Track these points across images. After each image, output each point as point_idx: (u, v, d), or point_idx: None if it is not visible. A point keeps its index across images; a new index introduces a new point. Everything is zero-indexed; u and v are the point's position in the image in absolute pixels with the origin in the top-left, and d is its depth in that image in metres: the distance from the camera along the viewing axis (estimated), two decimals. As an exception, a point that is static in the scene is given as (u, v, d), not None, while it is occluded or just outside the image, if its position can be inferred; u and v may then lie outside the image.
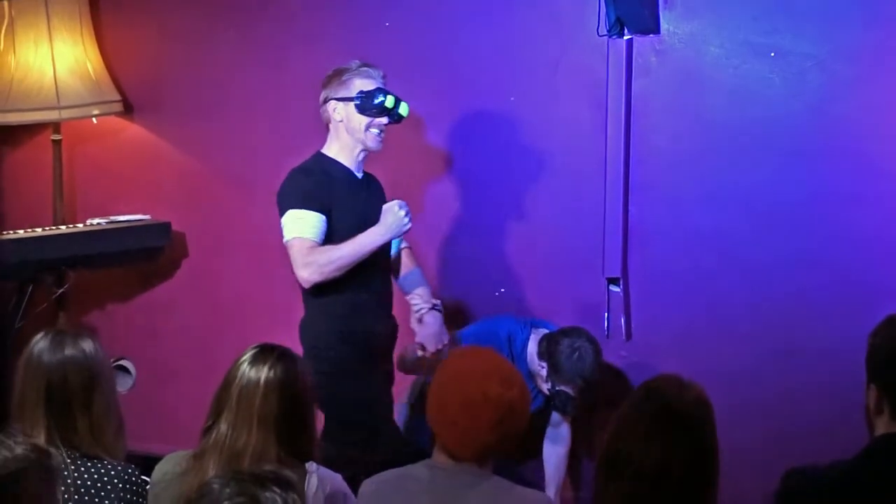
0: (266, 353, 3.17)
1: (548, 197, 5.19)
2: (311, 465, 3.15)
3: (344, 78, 4.38)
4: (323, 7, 5.44)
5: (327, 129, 4.46)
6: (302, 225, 4.23)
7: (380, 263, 4.43)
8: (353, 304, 4.37)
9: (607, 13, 4.96)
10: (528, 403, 3.10)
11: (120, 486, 3.17)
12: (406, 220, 4.28)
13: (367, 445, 4.30)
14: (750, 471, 4.27)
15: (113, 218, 5.55)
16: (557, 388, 4.65)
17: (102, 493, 3.16)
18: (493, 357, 3.22)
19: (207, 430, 3.15)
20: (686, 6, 4.97)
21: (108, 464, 3.20)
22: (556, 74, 5.15)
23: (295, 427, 3.15)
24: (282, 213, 4.29)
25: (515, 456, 4.94)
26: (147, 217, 5.64)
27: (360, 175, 4.47)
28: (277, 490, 2.26)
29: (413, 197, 5.24)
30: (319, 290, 4.29)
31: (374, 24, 5.34)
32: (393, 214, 4.30)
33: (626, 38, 5.00)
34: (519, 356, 4.67)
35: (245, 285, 5.66)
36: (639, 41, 5.02)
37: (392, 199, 4.39)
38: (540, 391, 4.70)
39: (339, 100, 4.37)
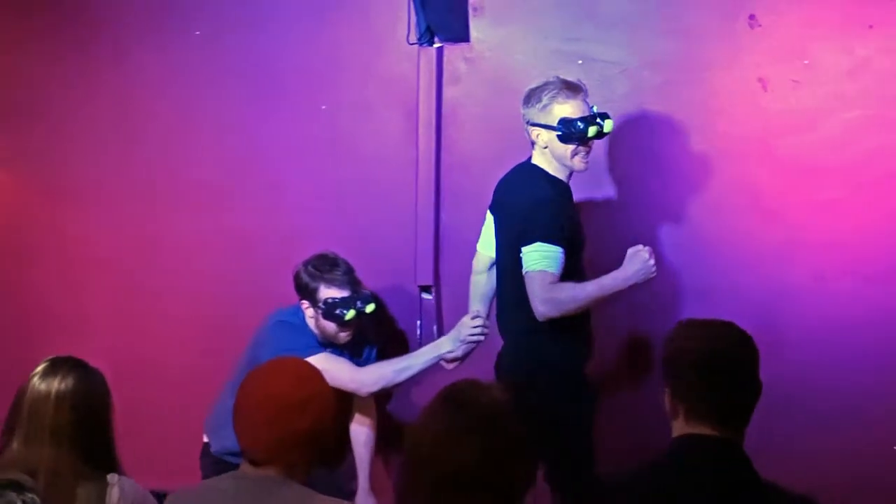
0: (57, 365, 3.09)
1: (359, 204, 5.16)
2: (113, 477, 3.07)
3: (544, 103, 4.27)
4: (132, 16, 5.35)
5: (532, 144, 4.37)
6: (548, 259, 4.10)
7: None
8: (580, 334, 4.36)
9: (417, 21, 4.99)
10: (327, 405, 2.99)
11: None
12: (653, 265, 4.15)
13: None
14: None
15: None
16: (326, 301, 4.45)
17: None
18: (290, 361, 3.12)
19: (2, 450, 3.06)
20: (495, 14, 5.03)
21: None
22: (367, 82, 5.15)
23: (91, 438, 3.08)
24: (526, 242, 4.15)
25: (334, 464, 4.86)
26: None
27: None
28: (13, 493, 2.29)
29: (225, 204, 5.20)
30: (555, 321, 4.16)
31: (185, 33, 5.27)
32: (641, 261, 4.15)
33: (436, 45, 5.03)
34: (300, 327, 4.55)
35: (51, 297, 5.50)
36: (449, 49, 5.06)
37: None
38: (330, 340, 4.58)
39: (541, 126, 4.29)
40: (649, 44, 4.92)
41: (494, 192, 4.50)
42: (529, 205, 4.23)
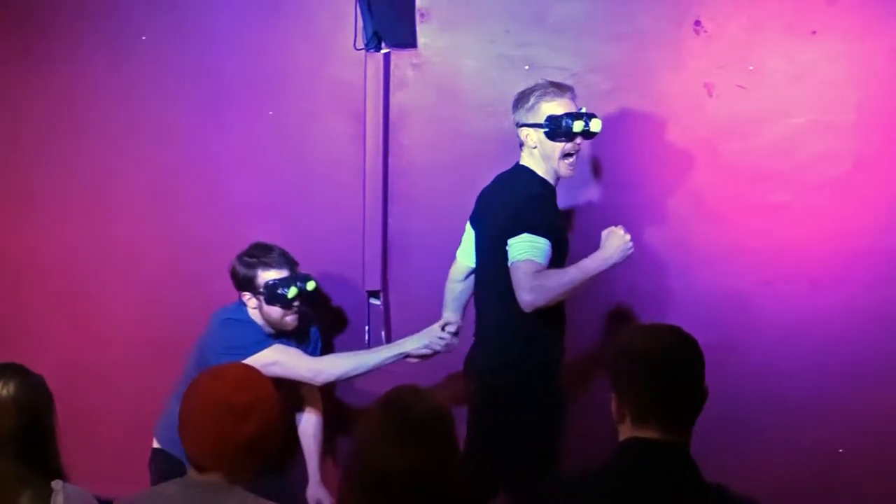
0: None
1: (307, 210, 5.15)
2: (58, 483, 3.01)
3: (531, 102, 4.28)
4: (78, 21, 5.30)
5: (521, 146, 4.36)
6: (536, 250, 4.08)
7: None
8: (557, 336, 4.36)
9: (364, 27, 4.98)
10: (271, 411, 2.97)
11: None
12: (630, 241, 4.16)
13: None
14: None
15: None
16: (266, 285, 4.43)
17: None
18: (233, 367, 3.10)
19: None
20: (442, 20, 5.03)
21: None
22: (314, 88, 5.14)
23: (35, 445, 3.02)
24: (513, 234, 4.12)
25: (281, 469, 4.84)
26: None
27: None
28: None
29: (171, 210, 5.17)
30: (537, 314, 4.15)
31: (132, 38, 5.23)
32: (618, 238, 4.17)
33: (383, 51, 5.03)
34: (246, 322, 4.53)
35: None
36: (396, 55, 5.06)
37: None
38: (277, 328, 4.55)
39: (529, 126, 4.29)
40: (596, 49, 4.95)
41: (477, 201, 4.50)
42: (519, 199, 4.24)
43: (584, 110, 4.28)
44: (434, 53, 5.04)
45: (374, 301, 5.09)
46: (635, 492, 2.60)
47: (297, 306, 4.46)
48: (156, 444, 4.65)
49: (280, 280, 4.39)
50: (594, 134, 4.29)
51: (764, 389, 4.89)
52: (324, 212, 5.13)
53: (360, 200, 5.02)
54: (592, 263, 4.15)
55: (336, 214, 5.11)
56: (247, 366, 3.15)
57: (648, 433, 2.65)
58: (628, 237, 4.18)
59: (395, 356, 4.42)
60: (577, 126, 4.21)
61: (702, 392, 2.70)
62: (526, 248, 4.09)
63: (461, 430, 4.21)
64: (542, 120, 4.25)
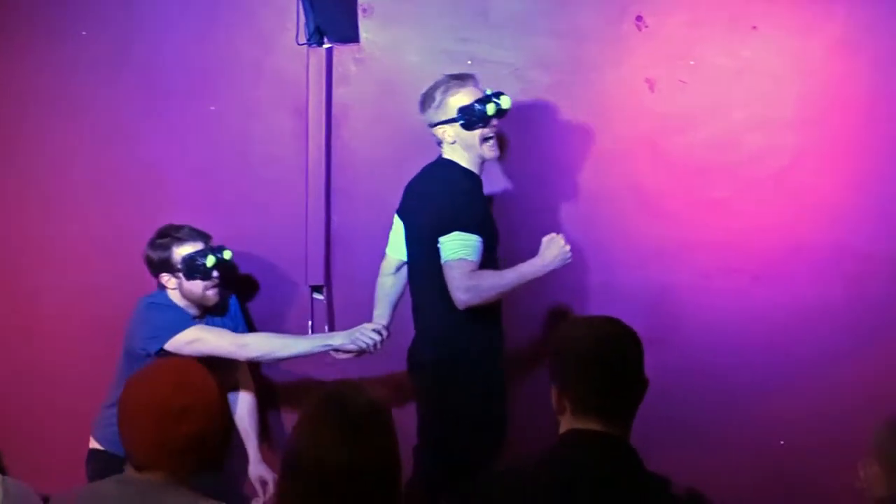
0: None
1: (249, 205, 5.11)
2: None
3: (438, 100, 4.32)
4: (16, 15, 5.22)
5: (440, 143, 4.40)
6: (468, 248, 4.13)
7: None
8: (496, 324, 4.38)
9: (306, 22, 4.96)
10: (208, 411, 2.93)
11: None
12: (568, 250, 4.24)
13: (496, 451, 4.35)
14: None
15: None
16: (183, 259, 4.47)
17: None
18: (170, 366, 3.06)
19: None
20: (385, 15, 5.02)
21: None
22: (256, 83, 5.10)
23: None
24: (444, 232, 4.15)
25: (217, 467, 4.80)
26: None
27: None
28: None
29: (111, 205, 5.12)
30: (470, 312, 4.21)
31: (71, 33, 5.17)
32: (557, 247, 4.23)
33: (325, 46, 5.00)
34: (167, 306, 4.54)
35: None
36: (338, 49, 5.04)
37: None
38: (200, 303, 4.57)
39: (443, 123, 4.31)
40: (538, 45, 4.96)
41: (403, 194, 4.52)
42: (445, 195, 4.27)
43: (488, 91, 4.33)
44: (377, 48, 5.03)
45: (317, 296, 5.07)
46: (575, 482, 2.61)
47: (216, 277, 4.48)
48: (93, 444, 4.61)
49: (196, 252, 4.45)
50: (507, 111, 4.34)
51: (704, 383, 4.93)
52: (266, 207, 5.10)
53: (303, 195, 4.99)
54: (530, 269, 4.23)
55: (278, 209, 5.08)
56: (184, 364, 3.13)
57: (589, 424, 2.67)
58: (567, 247, 4.25)
59: (322, 347, 4.44)
60: (490, 109, 4.27)
61: (641, 383, 2.72)
62: (458, 247, 4.14)
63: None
64: (454, 114, 4.31)
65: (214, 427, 2.92)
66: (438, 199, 4.28)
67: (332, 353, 4.48)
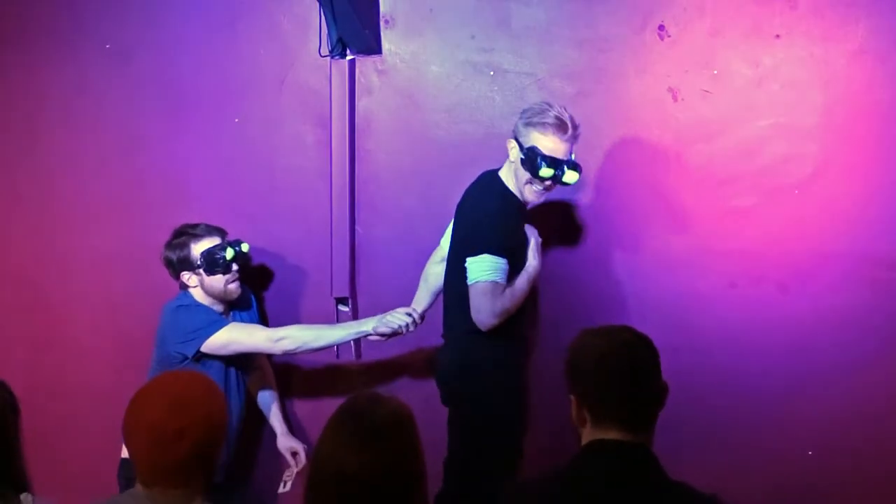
0: None
1: (274, 217, 5.14)
2: (27, 497, 3.00)
3: (528, 122, 4.25)
4: (42, 27, 5.26)
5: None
6: (500, 271, 4.15)
7: None
8: (518, 337, 4.43)
9: (329, 33, 4.97)
10: (206, 431, 2.89)
11: None
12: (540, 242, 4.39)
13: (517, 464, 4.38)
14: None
15: None
16: (202, 255, 4.52)
17: None
18: (170, 384, 2.97)
19: None
20: (407, 26, 5.03)
21: None
22: (279, 95, 5.13)
23: (5, 458, 3.00)
24: (475, 252, 4.16)
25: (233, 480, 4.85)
26: None
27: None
28: None
29: (136, 218, 5.15)
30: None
31: (96, 47, 5.21)
32: (534, 255, 4.34)
33: (348, 58, 5.02)
34: (195, 306, 4.57)
35: None
36: (361, 61, 5.06)
37: None
38: (223, 299, 4.61)
39: (516, 141, 4.28)
40: (561, 54, 4.96)
41: (462, 196, 4.50)
42: (478, 216, 4.28)
43: (572, 157, 4.28)
44: (399, 59, 5.04)
45: (342, 308, 5.08)
46: (597, 492, 2.62)
47: (236, 271, 4.52)
48: (124, 454, 4.63)
49: (214, 246, 4.50)
50: (566, 184, 4.29)
51: (730, 392, 4.90)
52: (290, 219, 5.12)
53: (328, 207, 5.01)
54: (529, 280, 4.31)
55: (303, 221, 5.10)
56: (185, 382, 3.00)
57: (609, 434, 2.67)
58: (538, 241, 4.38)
59: (355, 334, 4.50)
60: (546, 172, 4.20)
61: (659, 389, 2.72)
62: (488, 269, 4.14)
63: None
64: (526, 144, 4.24)
65: (214, 444, 2.90)
66: (472, 218, 4.29)
67: (370, 337, 4.52)
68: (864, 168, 4.82)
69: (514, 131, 4.32)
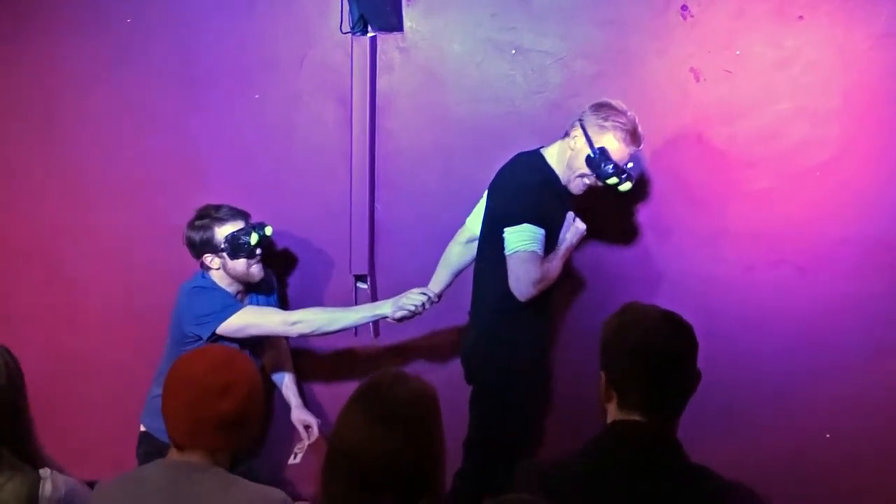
0: None
1: (293, 194, 5.14)
2: (46, 471, 3.02)
3: (605, 122, 4.26)
4: (62, 5, 5.26)
5: (565, 135, 4.36)
6: (538, 242, 4.16)
7: None
8: (545, 315, 4.46)
9: (350, 10, 4.96)
10: (250, 391, 2.93)
11: None
12: (583, 227, 4.38)
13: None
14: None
15: None
16: (226, 239, 4.50)
17: None
18: (216, 348, 3.14)
19: None
20: (428, 4, 5.02)
21: None
22: (300, 72, 5.12)
23: (17, 430, 3.02)
24: (515, 222, 4.16)
25: (254, 451, 4.87)
26: None
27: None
28: None
29: (155, 195, 5.16)
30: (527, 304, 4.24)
31: (117, 20, 5.20)
32: (575, 229, 4.36)
33: (369, 35, 5.01)
34: (212, 289, 4.57)
35: None
36: (382, 38, 5.05)
37: None
38: (245, 281, 4.62)
39: (585, 134, 4.27)
40: (583, 34, 4.94)
41: (496, 174, 4.49)
42: (518, 188, 4.27)
43: (630, 166, 4.30)
44: (420, 37, 5.03)
45: (361, 285, 5.08)
46: (619, 475, 2.62)
47: (259, 254, 4.52)
48: (142, 428, 4.66)
49: (239, 230, 4.48)
50: (619, 191, 4.31)
51: (748, 374, 4.91)
52: (310, 196, 5.12)
53: (347, 184, 5.01)
54: (565, 251, 4.32)
55: (323, 199, 5.10)
56: (229, 348, 3.19)
57: (632, 416, 2.67)
58: (583, 226, 4.38)
59: (371, 317, 4.48)
60: (611, 180, 4.24)
61: (691, 378, 2.71)
62: (528, 238, 4.14)
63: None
64: (596, 143, 4.25)
65: (255, 408, 2.95)
66: (512, 189, 4.29)
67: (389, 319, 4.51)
68: (884, 153, 4.80)
69: (582, 121, 4.30)
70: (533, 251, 4.13)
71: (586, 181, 4.30)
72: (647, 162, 4.90)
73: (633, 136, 4.26)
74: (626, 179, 4.27)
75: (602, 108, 4.28)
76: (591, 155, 4.23)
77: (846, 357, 4.86)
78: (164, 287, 4.87)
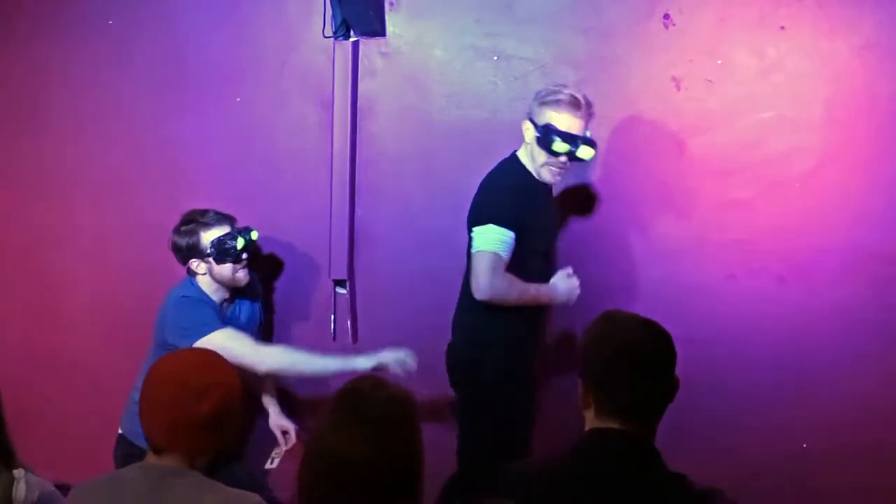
0: None
1: (274, 198, 5.13)
2: (19, 472, 3.00)
3: (546, 100, 4.24)
4: (44, 4, 5.24)
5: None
6: (502, 243, 4.11)
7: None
8: (524, 321, 4.40)
9: (333, 15, 4.96)
10: (229, 394, 2.93)
11: None
12: (577, 289, 4.39)
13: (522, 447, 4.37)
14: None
15: None
16: (212, 243, 4.44)
17: None
18: (196, 350, 3.18)
19: None
20: (411, 9, 5.01)
21: None
22: (282, 75, 5.11)
23: None
24: (481, 223, 4.14)
25: (236, 454, 4.84)
26: None
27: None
28: None
29: (136, 196, 5.14)
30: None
31: (98, 21, 5.19)
32: (569, 285, 4.35)
33: (352, 39, 5.00)
34: (197, 300, 4.50)
35: None
36: (365, 43, 5.04)
37: None
38: (231, 285, 4.56)
39: (531, 121, 4.26)
40: (565, 41, 4.94)
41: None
42: (488, 189, 4.26)
43: (587, 134, 4.26)
44: (403, 42, 5.03)
45: (340, 290, 5.07)
46: (593, 480, 2.61)
47: (246, 259, 4.48)
48: (120, 431, 4.64)
49: (224, 235, 4.43)
50: (581, 160, 4.27)
51: (728, 383, 4.91)
52: (290, 199, 5.11)
53: (328, 188, 5.00)
54: (544, 294, 4.31)
55: (303, 202, 5.10)
56: (208, 350, 3.17)
57: (610, 423, 2.66)
58: (577, 287, 4.37)
59: (342, 369, 4.31)
60: (560, 147, 4.19)
61: (669, 387, 2.71)
62: (492, 240, 4.11)
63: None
64: (540, 123, 4.23)
65: (233, 410, 2.94)
66: (485, 190, 4.28)
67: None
68: (866, 163, 4.81)
69: (528, 113, 4.30)
70: (494, 252, 4.10)
71: (551, 167, 4.27)
72: (627, 169, 4.90)
73: (573, 103, 4.21)
74: (582, 144, 4.21)
75: (538, 93, 4.29)
76: (539, 135, 4.22)
77: (825, 367, 4.86)
78: (145, 289, 4.86)
